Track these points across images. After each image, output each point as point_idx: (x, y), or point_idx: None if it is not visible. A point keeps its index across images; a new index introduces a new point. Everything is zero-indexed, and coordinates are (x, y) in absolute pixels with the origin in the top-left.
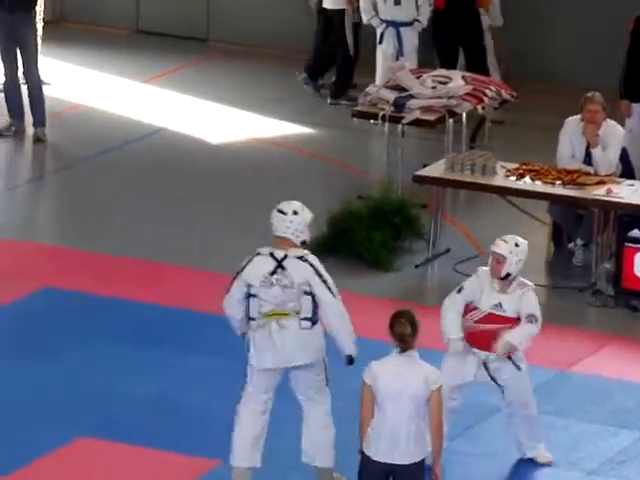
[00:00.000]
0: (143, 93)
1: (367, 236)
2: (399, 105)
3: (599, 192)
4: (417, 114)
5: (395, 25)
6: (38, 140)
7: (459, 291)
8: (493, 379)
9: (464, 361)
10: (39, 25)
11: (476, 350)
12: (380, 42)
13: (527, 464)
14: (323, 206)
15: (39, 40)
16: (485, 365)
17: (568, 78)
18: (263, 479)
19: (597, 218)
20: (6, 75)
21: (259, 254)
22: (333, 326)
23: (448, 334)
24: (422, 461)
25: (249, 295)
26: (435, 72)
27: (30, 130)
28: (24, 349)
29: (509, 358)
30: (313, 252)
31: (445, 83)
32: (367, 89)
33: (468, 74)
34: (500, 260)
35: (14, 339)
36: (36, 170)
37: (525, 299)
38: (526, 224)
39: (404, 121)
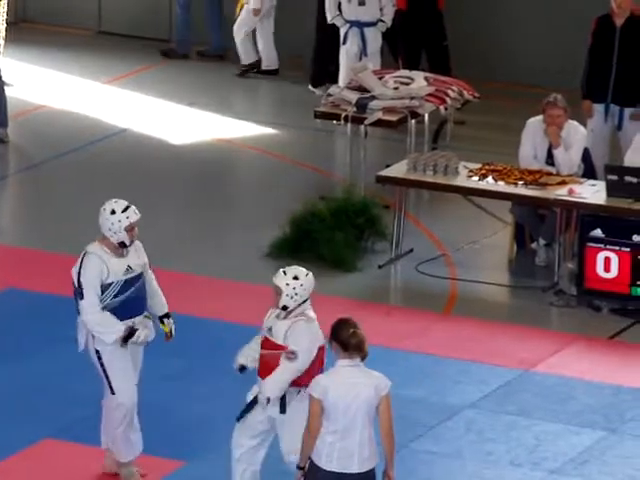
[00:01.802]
0: (105, 94)
1: (330, 237)
2: (361, 106)
3: (561, 192)
4: (379, 115)
5: (359, 25)
6: (0, 141)
7: None
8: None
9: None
10: (1, 27)
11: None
12: (344, 42)
13: (491, 464)
14: (285, 206)
15: (1, 41)
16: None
17: (530, 79)
18: None
19: (559, 218)
20: None
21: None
22: None
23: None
24: (374, 468)
25: None
26: (397, 73)
27: None
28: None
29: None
30: (275, 253)
31: (407, 84)
32: (329, 90)
33: (430, 75)
34: (277, 291)
35: None
36: None
37: (293, 330)
38: (489, 224)
39: (366, 122)
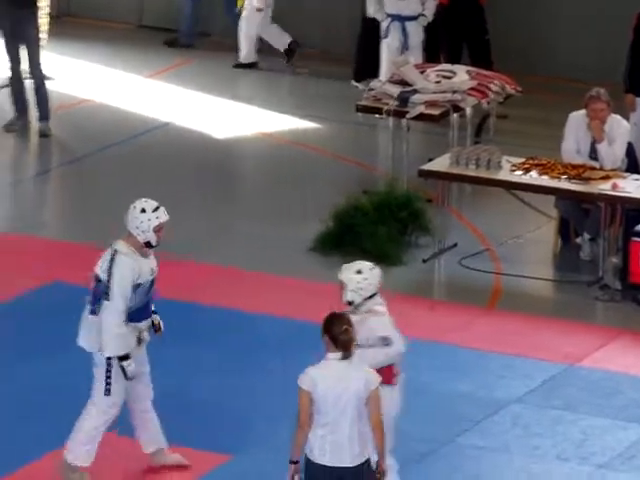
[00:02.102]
0: (147, 88)
1: (373, 231)
2: (403, 100)
3: (605, 187)
4: (421, 109)
5: (400, 19)
6: (43, 135)
7: None
8: None
9: None
10: (44, 20)
11: None
12: (385, 36)
13: (538, 458)
14: (328, 201)
15: (42, 35)
16: None
17: (571, 73)
18: None
19: (604, 213)
20: (11, 70)
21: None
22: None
23: None
24: (367, 461)
25: None
26: (439, 67)
27: (35, 125)
28: (34, 344)
29: None
30: (319, 247)
31: (449, 78)
32: (371, 84)
33: (473, 69)
34: (341, 286)
35: (24, 334)
36: (41, 164)
37: (362, 324)
38: (532, 218)
39: (408, 116)
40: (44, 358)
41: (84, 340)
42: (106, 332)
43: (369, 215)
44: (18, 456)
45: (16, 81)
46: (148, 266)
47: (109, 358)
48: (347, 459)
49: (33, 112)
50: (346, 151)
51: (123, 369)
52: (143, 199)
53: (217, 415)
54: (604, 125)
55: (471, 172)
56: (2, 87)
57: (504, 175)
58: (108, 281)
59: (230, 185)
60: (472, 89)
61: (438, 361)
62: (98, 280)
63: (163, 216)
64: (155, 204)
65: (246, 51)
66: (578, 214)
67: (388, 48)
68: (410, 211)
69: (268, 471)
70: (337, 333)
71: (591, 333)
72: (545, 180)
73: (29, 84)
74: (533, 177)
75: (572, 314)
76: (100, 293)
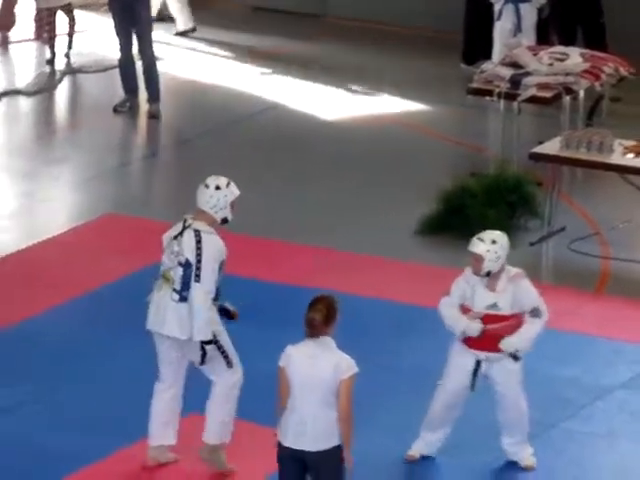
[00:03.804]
0: (258, 69)
1: (482, 213)
2: (515, 82)
3: None
4: (533, 91)
5: (514, 1)
6: (152, 116)
7: (448, 294)
8: (486, 376)
9: (464, 361)
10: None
11: (475, 351)
12: (498, 18)
13: None
14: (436, 183)
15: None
16: (479, 363)
17: None
18: None
19: None
20: (121, 51)
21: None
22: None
23: (459, 322)
24: (335, 448)
25: None
26: (552, 49)
27: (144, 106)
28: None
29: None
30: (426, 230)
31: (562, 60)
32: (483, 66)
33: (586, 51)
34: (478, 259)
35: (131, 313)
36: (150, 146)
37: (519, 292)
38: None
39: (520, 98)
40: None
41: (176, 329)
42: (199, 316)
43: (478, 198)
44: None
45: (127, 62)
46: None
47: (214, 335)
48: (308, 443)
49: (143, 93)
50: (455, 133)
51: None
52: (213, 176)
53: None
54: None
55: (582, 155)
56: (112, 68)
57: (616, 159)
58: (199, 261)
59: (337, 168)
60: (585, 71)
61: (545, 346)
62: (187, 264)
63: (236, 190)
64: (226, 179)
65: (182, 18)
66: None
67: (501, 30)
68: (520, 194)
69: None
70: (306, 313)
71: None
72: None
73: (139, 65)
74: None
75: None
76: (189, 277)
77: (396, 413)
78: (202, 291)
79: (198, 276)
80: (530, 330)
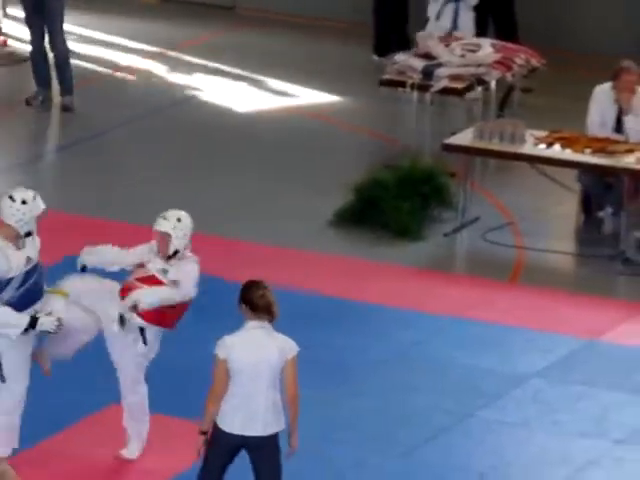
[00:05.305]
0: (171, 62)
1: (395, 205)
2: (427, 73)
3: (629, 160)
4: (445, 82)
5: (455, 1)
6: (66, 109)
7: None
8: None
9: None
10: None
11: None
12: (437, 18)
13: (557, 434)
14: (350, 175)
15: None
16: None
17: (596, 46)
18: None
19: (627, 186)
20: (32, 44)
21: None
22: None
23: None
24: (277, 433)
25: None
26: (464, 40)
27: (58, 99)
28: None
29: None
30: (340, 221)
31: (474, 51)
32: (395, 57)
33: (498, 42)
34: (164, 237)
35: None
36: (64, 139)
37: (182, 268)
38: (555, 192)
39: (432, 89)
40: None
41: None
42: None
43: (391, 189)
44: None
45: (38, 55)
46: (22, 257)
47: None
48: (259, 428)
49: (56, 86)
50: (368, 125)
51: None
52: (20, 189)
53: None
54: (633, 97)
55: (494, 146)
56: (24, 61)
57: (527, 149)
58: None
59: (252, 159)
60: (496, 62)
61: (459, 336)
62: None
63: (42, 204)
64: (33, 193)
65: None
66: (600, 188)
67: (439, 29)
68: (433, 185)
69: (284, 445)
70: (255, 298)
71: (613, 308)
72: (568, 154)
73: (51, 58)
74: (556, 151)
75: (594, 288)
76: None
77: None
78: None
79: None
80: (161, 290)
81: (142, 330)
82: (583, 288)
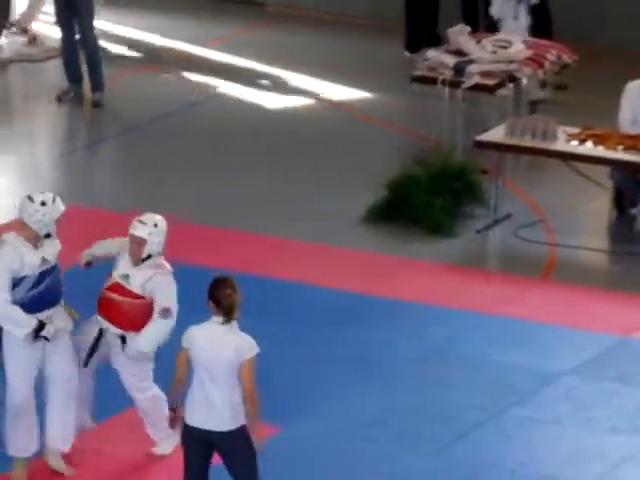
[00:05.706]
0: (200, 58)
1: (427, 201)
2: (459, 70)
3: None
4: (477, 79)
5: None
6: (96, 105)
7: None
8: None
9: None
10: None
11: (100, 318)
12: (516, 17)
13: (590, 431)
14: (382, 171)
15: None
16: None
17: (631, 43)
18: None
19: None
20: (63, 40)
21: None
22: None
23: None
24: (241, 428)
25: None
26: (495, 36)
27: (89, 95)
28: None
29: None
30: (372, 218)
31: (505, 48)
32: (426, 53)
33: (529, 38)
34: (140, 242)
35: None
36: (94, 135)
37: (156, 284)
38: (587, 189)
39: (464, 86)
40: None
41: None
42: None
43: (423, 186)
44: None
45: (69, 51)
46: (38, 257)
47: None
48: (219, 423)
49: (87, 82)
50: (400, 121)
51: None
52: (39, 192)
53: (266, 386)
54: None
55: (526, 143)
56: (55, 57)
57: (559, 146)
58: None
59: (284, 155)
60: (528, 59)
61: (492, 332)
62: None
63: (61, 206)
64: (52, 195)
65: None
66: (633, 185)
67: (518, 30)
68: (465, 182)
69: (316, 443)
70: (221, 297)
71: None
72: (601, 151)
73: (82, 54)
74: (589, 148)
75: (627, 285)
76: None
77: (336, 401)
78: None
79: None
80: (157, 329)
81: (123, 338)
82: (615, 285)
